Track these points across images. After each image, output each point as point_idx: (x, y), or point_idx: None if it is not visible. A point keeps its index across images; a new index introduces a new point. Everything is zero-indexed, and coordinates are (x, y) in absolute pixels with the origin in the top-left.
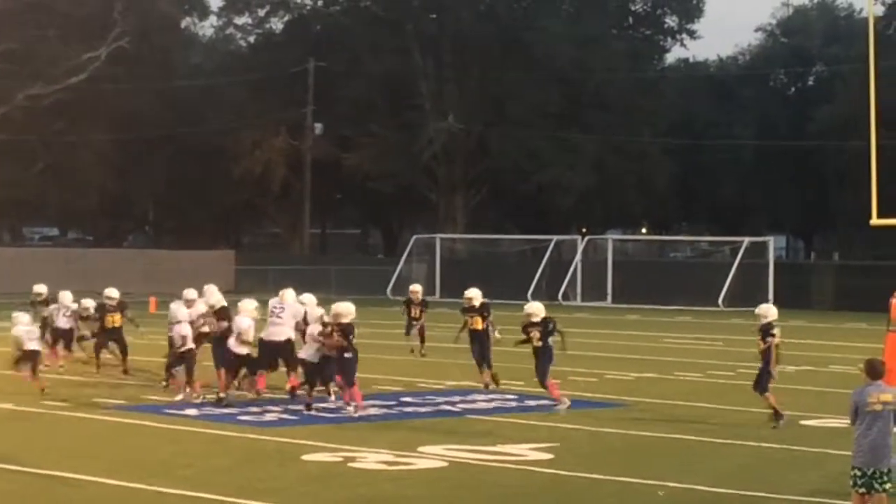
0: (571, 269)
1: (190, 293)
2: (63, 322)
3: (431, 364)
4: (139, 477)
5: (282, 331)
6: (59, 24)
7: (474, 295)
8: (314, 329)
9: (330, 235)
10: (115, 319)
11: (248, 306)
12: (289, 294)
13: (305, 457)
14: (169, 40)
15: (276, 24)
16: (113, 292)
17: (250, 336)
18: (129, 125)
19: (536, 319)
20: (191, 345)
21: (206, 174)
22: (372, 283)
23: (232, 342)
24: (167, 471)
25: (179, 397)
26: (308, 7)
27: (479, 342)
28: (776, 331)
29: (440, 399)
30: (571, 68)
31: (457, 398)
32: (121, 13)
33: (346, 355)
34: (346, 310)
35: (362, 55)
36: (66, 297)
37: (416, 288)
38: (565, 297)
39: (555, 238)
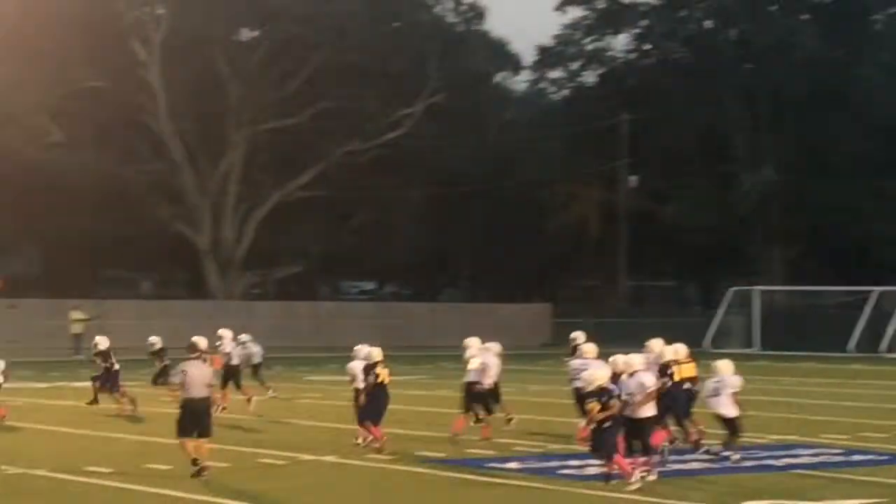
0: (893, 319)
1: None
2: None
3: (750, 417)
4: None
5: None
6: (375, 83)
7: None
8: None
9: (646, 288)
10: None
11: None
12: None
13: None
14: (482, 95)
15: (589, 78)
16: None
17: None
18: (445, 179)
19: None
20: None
21: (521, 227)
22: (689, 336)
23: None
24: None
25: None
26: (620, 59)
27: None
28: None
29: (763, 453)
30: (891, 116)
31: (780, 452)
32: (435, 70)
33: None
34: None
35: (676, 106)
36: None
37: None
38: (890, 349)
39: (878, 290)
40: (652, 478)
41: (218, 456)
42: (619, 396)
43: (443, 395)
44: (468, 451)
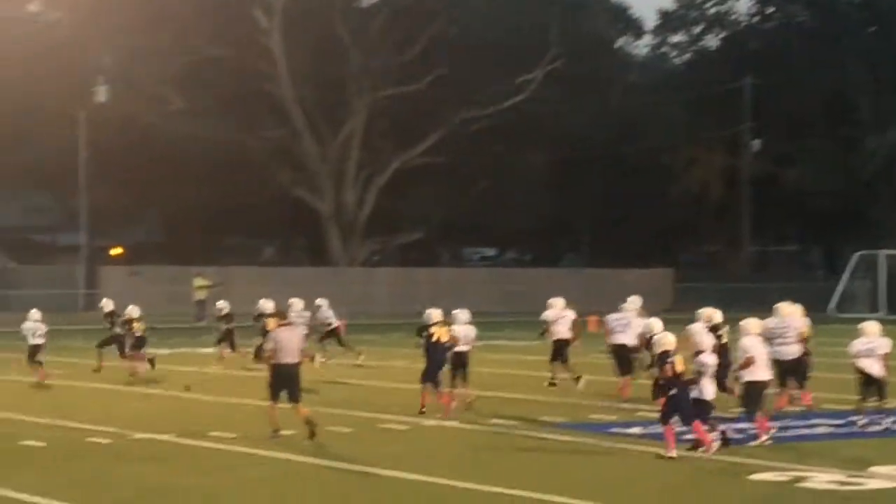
0: None
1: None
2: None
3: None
4: (580, 494)
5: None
6: (495, 49)
7: None
8: None
9: (769, 253)
10: None
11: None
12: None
13: (753, 476)
14: (603, 60)
15: (711, 42)
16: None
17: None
18: (565, 145)
19: None
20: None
21: (643, 192)
22: (813, 301)
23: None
24: (613, 490)
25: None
26: (743, 24)
27: None
28: None
29: (890, 419)
30: None
31: None
32: (556, 35)
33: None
34: None
35: (799, 70)
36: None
37: None
38: None
39: None
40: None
41: (339, 421)
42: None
43: None
44: (591, 416)
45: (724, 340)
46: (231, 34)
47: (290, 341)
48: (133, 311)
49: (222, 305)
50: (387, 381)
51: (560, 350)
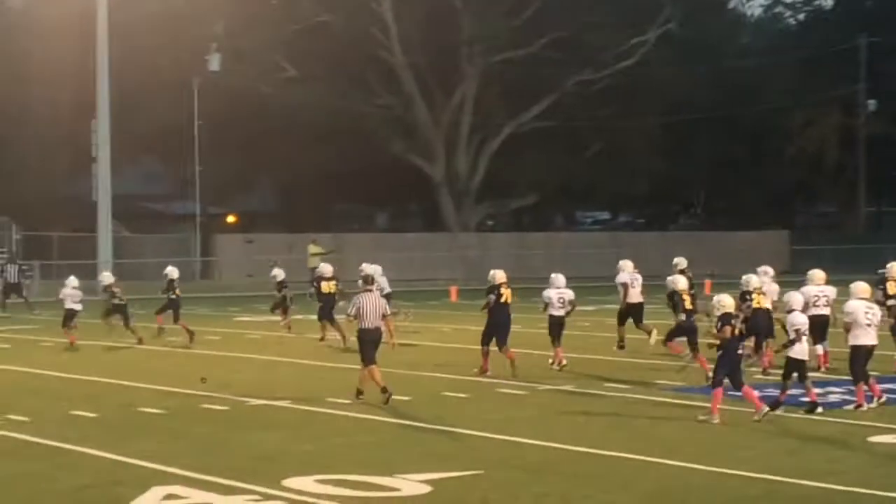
0: None
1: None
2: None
3: None
4: (696, 457)
5: None
6: (607, 12)
7: None
8: None
9: (885, 214)
10: None
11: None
12: None
13: (871, 438)
14: (716, 21)
15: (826, 1)
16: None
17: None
18: (679, 107)
19: None
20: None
21: (757, 154)
22: None
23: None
24: (726, 452)
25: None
26: None
27: None
28: None
29: None
30: None
31: None
32: None
33: None
34: None
35: None
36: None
37: None
38: None
39: None
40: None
41: (456, 386)
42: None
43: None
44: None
45: (758, 305)
46: (342, 0)
47: (371, 307)
48: (172, 272)
49: (277, 272)
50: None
51: (635, 313)
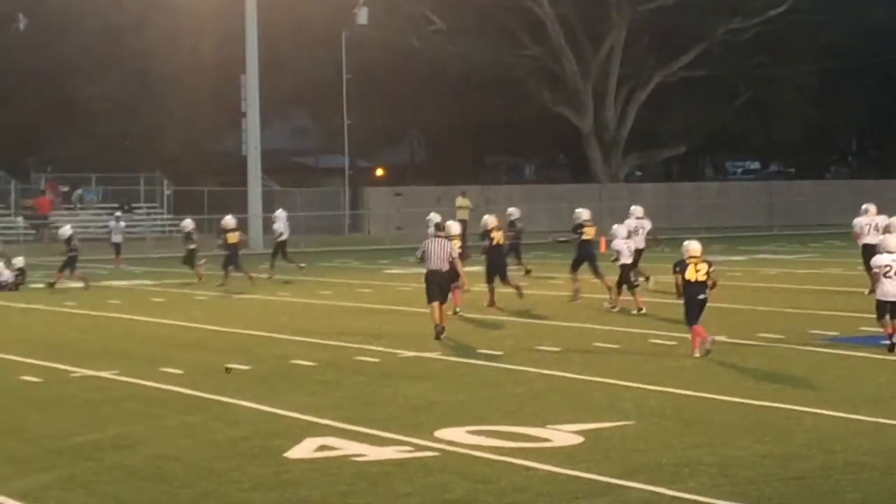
0: None
1: None
2: None
3: None
4: (854, 407)
5: None
6: None
7: None
8: None
9: None
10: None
11: None
12: None
13: None
14: None
15: None
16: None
17: None
18: (830, 55)
19: None
20: None
21: None
22: None
23: None
24: (881, 401)
25: None
26: None
27: None
28: None
29: None
30: None
31: None
32: None
33: None
34: None
35: None
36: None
37: None
38: None
39: None
40: None
41: (607, 337)
42: None
43: (832, 273)
44: (862, 328)
45: None
46: None
47: (436, 251)
48: (229, 223)
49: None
50: (652, 297)
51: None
